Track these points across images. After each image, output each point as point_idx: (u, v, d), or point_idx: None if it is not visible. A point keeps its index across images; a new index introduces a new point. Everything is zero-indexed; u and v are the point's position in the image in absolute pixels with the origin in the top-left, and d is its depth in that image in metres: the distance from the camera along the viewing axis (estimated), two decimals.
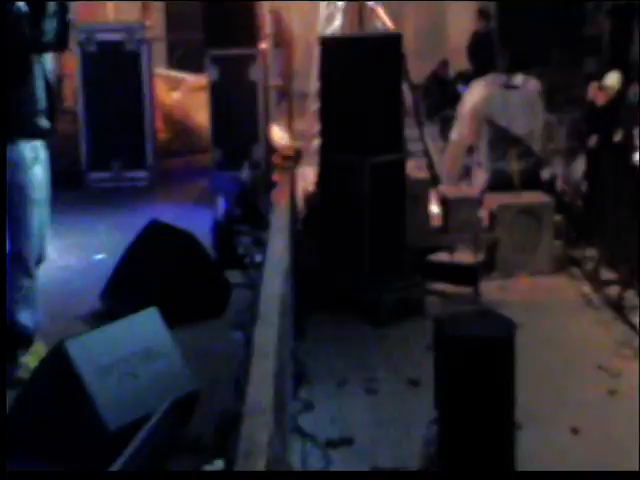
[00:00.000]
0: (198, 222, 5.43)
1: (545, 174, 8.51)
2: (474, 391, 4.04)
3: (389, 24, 9.06)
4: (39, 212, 3.94)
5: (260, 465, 2.75)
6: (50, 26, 3.76)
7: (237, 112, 7.55)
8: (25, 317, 3.94)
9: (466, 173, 8.88)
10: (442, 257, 7.49)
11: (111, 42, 7.33)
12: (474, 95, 8.80)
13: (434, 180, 8.48)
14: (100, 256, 5.58)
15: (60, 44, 3.91)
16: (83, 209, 5.79)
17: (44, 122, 3.96)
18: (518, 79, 8.64)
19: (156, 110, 7.65)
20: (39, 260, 4.02)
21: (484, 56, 9.93)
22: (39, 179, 3.94)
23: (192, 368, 3.44)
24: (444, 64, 11.26)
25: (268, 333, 4.40)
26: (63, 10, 3.82)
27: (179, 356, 3.46)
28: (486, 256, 7.55)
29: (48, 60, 3.97)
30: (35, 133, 3.94)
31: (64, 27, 3.84)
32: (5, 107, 3.85)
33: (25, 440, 3.19)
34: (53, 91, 4.03)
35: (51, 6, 3.75)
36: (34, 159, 3.91)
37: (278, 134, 8.23)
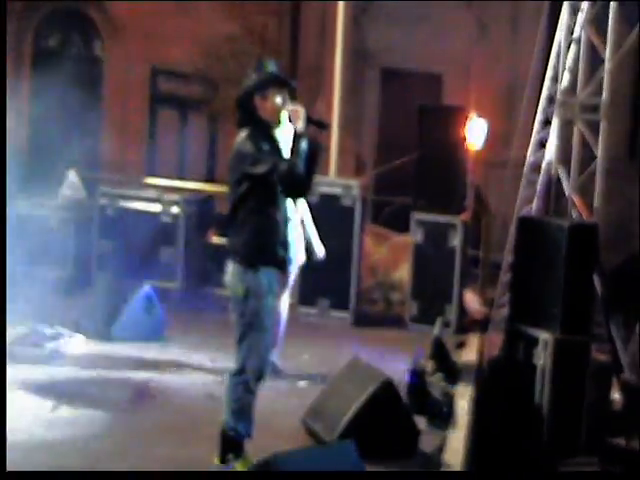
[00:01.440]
0: (392, 366, 5.84)
1: None
2: None
3: (585, 213, 9.34)
4: (266, 337, 4.37)
5: None
6: (299, 162, 4.19)
7: (435, 272, 8.14)
8: (241, 427, 4.39)
9: None
10: (619, 442, 7.45)
11: (330, 195, 8.09)
12: None
13: (617, 367, 8.47)
14: (303, 383, 6.09)
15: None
16: (290, 338, 6.35)
17: (282, 252, 4.41)
18: None
19: (362, 260, 8.30)
20: (260, 378, 4.42)
21: None
22: (270, 308, 4.38)
23: None
24: (634, 261, 11.13)
25: None
26: (313, 152, 4.27)
27: None
28: None
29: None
30: (274, 263, 4.39)
31: (311, 169, 4.28)
32: (248, 235, 4.32)
33: None
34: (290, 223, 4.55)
35: (302, 145, 4.21)
36: (269, 288, 4.35)
37: (471, 298, 8.64)
